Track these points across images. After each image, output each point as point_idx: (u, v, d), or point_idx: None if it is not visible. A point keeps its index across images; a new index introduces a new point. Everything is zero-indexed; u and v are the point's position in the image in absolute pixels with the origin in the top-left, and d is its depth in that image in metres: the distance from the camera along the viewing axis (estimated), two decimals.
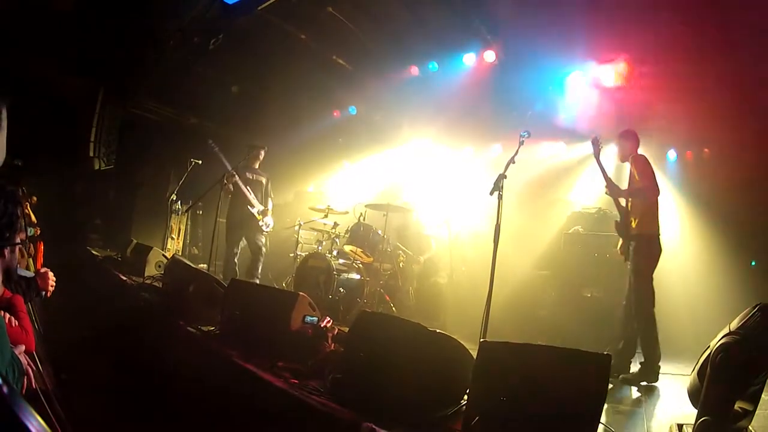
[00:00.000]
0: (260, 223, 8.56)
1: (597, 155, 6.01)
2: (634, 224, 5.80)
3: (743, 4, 6.62)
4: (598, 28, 7.60)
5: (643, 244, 5.70)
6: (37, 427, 1.12)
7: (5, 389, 1.15)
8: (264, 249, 8.78)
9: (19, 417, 1.11)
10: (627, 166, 6.06)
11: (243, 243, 8.66)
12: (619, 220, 6.01)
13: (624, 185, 6.05)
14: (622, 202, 6.00)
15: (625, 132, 6.05)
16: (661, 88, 7.96)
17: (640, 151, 6.02)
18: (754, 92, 7.26)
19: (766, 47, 6.72)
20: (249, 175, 8.68)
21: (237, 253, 8.58)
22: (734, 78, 7.31)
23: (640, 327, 5.62)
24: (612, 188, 5.98)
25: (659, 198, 5.74)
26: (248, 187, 8.52)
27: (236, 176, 8.28)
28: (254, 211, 8.52)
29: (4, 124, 1.45)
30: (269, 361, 4.40)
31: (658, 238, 5.70)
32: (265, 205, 8.74)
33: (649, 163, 5.80)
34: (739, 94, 7.43)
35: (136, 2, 8.27)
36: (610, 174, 6.13)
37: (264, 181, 8.94)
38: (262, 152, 8.95)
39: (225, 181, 8.03)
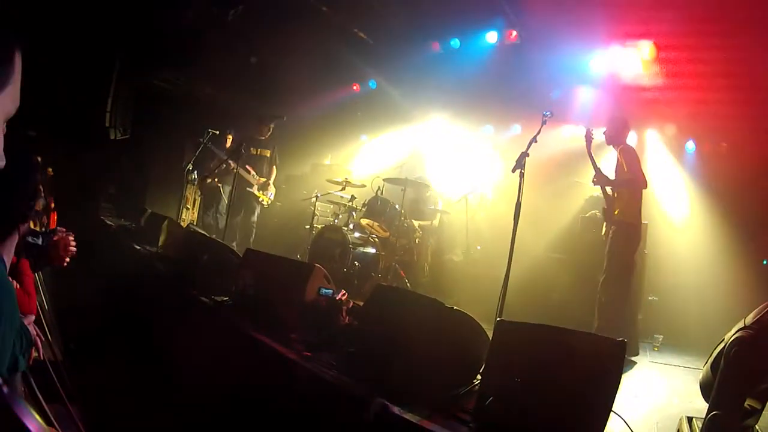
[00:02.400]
0: (261, 199, 8.97)
1: (588, 147, 6.31)
2: (616, 212, 6.11)
3: None
4: (623, 11, 7.48)
5: (621, 231, 5.99)
6: (36, 427, 1.11)
7: (5, 389, 1.14)
8: (255, 221, 9.27)
9: (19, 417, 1.11)
10: (615, 155, 6.34)
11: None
12: (605, 206, 6.29)
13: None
14: (609, 190, 6.28)
15: (617, 118, 6.36)
16: (685, 78, 7.82)
17: (634, 142, 6.40)
18: None
19: None
20: (253, 151, 8.91)
21: (236, 222, 8.97)
22: (761, 73, 7.14)
23: (606, 303, 5.92)
24: (600, 177, 6.25)
25: (644, 190, 6.05)
26: (248, 167, 8.78)
27: (234, 165, 8.44)
28: (254, 190, 8.91)
29: (18, 68, 1.40)
30: (282, 333, 4.41)
31: (638, 228, 6.07)
32: (268, 177, 9.08)
33: (636, 155, 6.11)
34: (765, 91, 7.28)
35: None
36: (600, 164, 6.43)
37: (269, 153, 9.18)
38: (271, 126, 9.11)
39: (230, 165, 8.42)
